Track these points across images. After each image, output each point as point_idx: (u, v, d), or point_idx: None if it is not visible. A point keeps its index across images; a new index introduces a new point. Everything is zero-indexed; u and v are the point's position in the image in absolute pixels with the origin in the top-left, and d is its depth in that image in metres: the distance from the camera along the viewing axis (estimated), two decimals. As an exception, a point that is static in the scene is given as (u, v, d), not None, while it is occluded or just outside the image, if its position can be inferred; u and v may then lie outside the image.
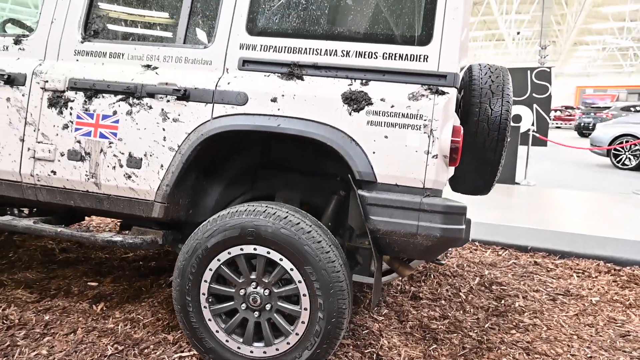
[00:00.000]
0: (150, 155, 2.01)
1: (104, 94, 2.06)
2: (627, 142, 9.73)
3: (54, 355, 2.05)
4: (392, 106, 1.81)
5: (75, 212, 2.48)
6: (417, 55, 1.86)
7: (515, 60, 36.17)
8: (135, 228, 2.19)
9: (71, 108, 2.09)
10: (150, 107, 2.01)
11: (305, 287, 1.83)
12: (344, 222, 2.25)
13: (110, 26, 2.23)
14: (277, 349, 1.90)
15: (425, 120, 1.79)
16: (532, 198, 6.41)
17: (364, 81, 1.89)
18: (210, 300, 1.95)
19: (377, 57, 1.89)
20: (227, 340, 1.94)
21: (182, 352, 2.13)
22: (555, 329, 2.49)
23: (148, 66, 2.08)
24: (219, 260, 1.90)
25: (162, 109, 2.00)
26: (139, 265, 3.18)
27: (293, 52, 1.96)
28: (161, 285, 2.86)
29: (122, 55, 2.12)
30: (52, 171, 2.12)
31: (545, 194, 6.70)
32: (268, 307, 1.90)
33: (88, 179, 2.08)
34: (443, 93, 1.81)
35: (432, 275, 3.15)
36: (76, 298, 2.62)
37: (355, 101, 1.84)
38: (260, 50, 1.99)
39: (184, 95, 1.97)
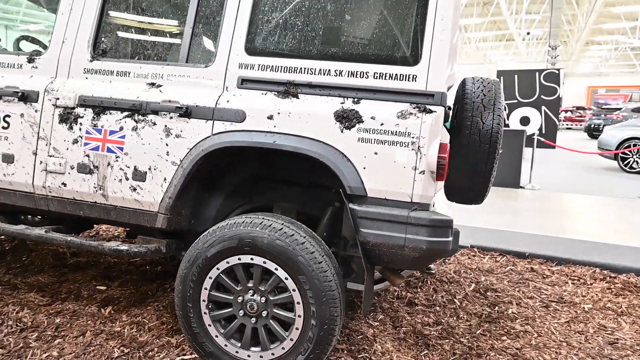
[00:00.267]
0: (154, 169, 2.13)
1: (111, 111, 2.18)
2: (634, 145, 9.68)
3: (64, 357, 2.18)
4: (382, 124, 1.91)
5: (85, 220, 2.61)
6: (406, 75, 1.95)
7: (526, 60, 35.92)
8: (141, 237, 2.31)
9: (80, 124, 2.22)
10: (155, 124, 2.12)
11: (299, 295, 1.93)
12: (339, 232, 2.35)
13: (117, 46, 2.35)
14: (272, 354, 2.01)
15: (413, 137, 1.88)
16: (535, 202, 6.44)
17: (355, 100, 1.98)
18: (210, 306, 2.06)
19: (368, 77, 1.99)
20: (225, 345, 2.05)
21: (185, 355, 2.24)
22: (545, 335, 2.56)
23: (152, 84, 2.20)
24: (218, 269, 2.01)
25: (166, 125, 2.11)
26: (146, 269, 3.31)
27: (289, 72, 2.06)
28: (166, 289, 2.98)
29: (129, 73, 2.24)
30: (62, 183, 2.25)
31: (549, 199, 6.73)
32: (264, 313, 2.00)
33: (96, 190, 2.20)
34: (430, 111, 1.90)
35: (428, 282, 3.24)
36: (85, 301, 2.75)
37: (347, 119, 1.94)
38: (258, 69, 2.09)
39: (186, 113, 2.09)
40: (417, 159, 1.87)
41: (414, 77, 1.95)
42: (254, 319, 2.02)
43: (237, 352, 2.04)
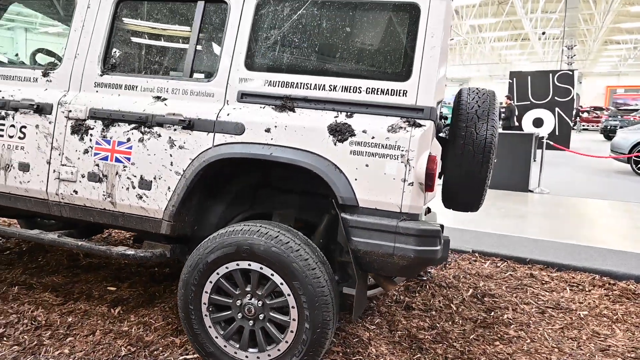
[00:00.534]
0: (159, 178, 2.25)
1: (119, 123, 2.31)
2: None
3: (75, 355, 2.32)
4: (373, 137, 2.00)
5: (96, 225, 2.75)
6: (397, 90, 2.04)
7: (543, 59, 35.46)
8: (147, 242, 2.44)
9: (91, 135, 2.35)
10: (160, 136, 2.25)
11: (293, 300, 2.03)
12: (335, 239, 2.44)
13: (126, 61, 2.48)
14: (269, 355, 2.11)
15: (402, 150, 1.96)
16: (543, 207, 6.44)
17: (348, 114, 2.08)
18: (210, 309, 2.17)
19: (361, 92, 2.08)
20: (225, 346, 2.16)
21: (187, 354, 2.36)
22: (538, 341, 2.62)
23: (158, 97, 2.32)
24: (218, 273, 2.12)
25: (170, 137, 2.23)
26: (154, 271, 3.45)
27: (286, 86, 2.16)
28: (173, 291, 3.11)
29: (136, 87, 2.36)
30: (74, 191, 2.39)
31: (557, 203, 6.71)
32: (261, 316, 2.11)
33: (105, 198, 2.34)
34: (420, 125, 1.98)
35: (427, 286, 3.31)
36: (96, 302, 2.89)
37: (340, 132, 2.03)
38: (257, 84, 2.20)
39: (189, 125, 2.20)
40: (406, 171, 1.96)
41: (405, 92, 2.03)
42: (251, 321, 2.12)
43: (235, 352, 2.15)
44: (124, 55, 2.50)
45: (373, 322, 2.77)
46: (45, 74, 2.51)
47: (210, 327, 2.17)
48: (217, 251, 2.09)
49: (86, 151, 2.36)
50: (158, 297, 3.02)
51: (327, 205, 2.42)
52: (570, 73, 14.42)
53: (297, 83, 2.15)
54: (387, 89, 2.05)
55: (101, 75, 2.42)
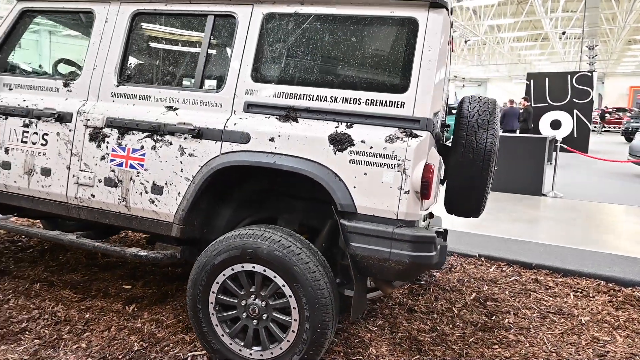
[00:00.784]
0: (170, 184, 2.38)
1: (133, 131, 2.45)
2: (668, 152, 9.38)
3: (92, 349, 2.47)
4: (371, 147, 2.09)
5: (112, 226, 2.90)
6: (394, 102, 2.13)
7: (564, 59, 34.84)
8: (159, 244, 2.57)
9: (107, 142, 2.50)
10: (171, 144, 2.38)
11: (294, 301, 2.14)
12: (338, 243, 2.53)
13: (140, 72, 2.62)
14: (271, 353, 2.22)
15: (399, 160, 2.05)
16: (555, 211, 6.41)
17: (348, 124, 2.17)
18: (217, 308, 2.29)
19: (360, 103, 2.17)
20: (230, 343, 2.28)
21: (196, 351, 2.49)
22: (537, 346, 2.67)
23: (170, 107, 2.45)
24: (224, 275, 2.24)
25: (180, 145, 2.36)
26: (167, 271, 3.60)
27: (290, 98, 2.27)
28: (185, 290, 3.25)
29: (149, 97, 2.50)
30: (91, 194, 2.54)
31: (570, 207, 6.67)
32: (265, 316, 2.22)
33: (120, 202, 2.48)
34: (416, 136, 2.07)
35: (431, 290, 3.38)
36: (112, 299, 3.05)
37: (340, 142, 2.13)
38: (263, 95, 2.31)
39: (198, 134, 2.33)
40: (402, 179, 2.04)
41: (402, 104, 2.12)
42: (255, 320, 2.24)
43: (240, 350, 2.27)
44: (138, 67, 2.64)
45: (375, 324, 2.85)
46: (66, 84, 2.67)
47: (216, 325, 2.29)
48: (223, 254, 2.21)
49: (103, 157, 2.51)
50: (170, 295, 3.16)
51: (329, 211, 2.52)
52: (589, 74, 14.21)
53: (301, 94, 2.25)
54: (386, 101, 2.14)
55: (117, 86, 2.57)
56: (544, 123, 14.55)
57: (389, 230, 2.04)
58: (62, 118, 2.59)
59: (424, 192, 2.07)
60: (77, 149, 2.56)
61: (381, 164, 2.07)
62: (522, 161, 7.39)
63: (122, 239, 4.30)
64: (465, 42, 27.12)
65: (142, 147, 2.43)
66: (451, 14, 2.45)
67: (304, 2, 2.30)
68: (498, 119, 2.73)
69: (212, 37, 2.45)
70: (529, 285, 3.55)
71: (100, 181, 2.51)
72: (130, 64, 2.61)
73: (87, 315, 2.80)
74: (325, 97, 2.22)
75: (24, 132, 2.67)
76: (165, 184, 2.39)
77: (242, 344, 2.27)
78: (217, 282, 2.26)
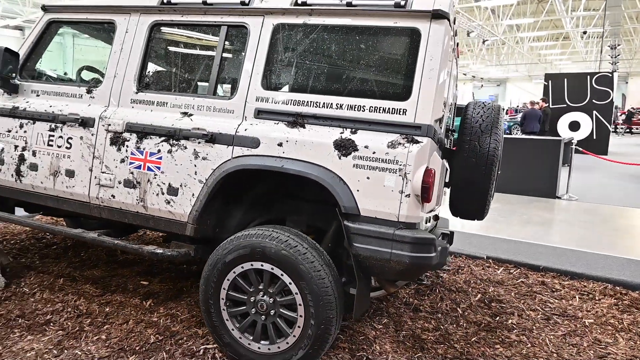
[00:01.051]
0: (185, 186, 2.52)
1: (151, 136, 2.60)
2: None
3: (111, 340, 2.62)
4: (374, 152, 2.19)
5: (130, 225, 3.06)
6: (397, 109, 2.22)
7: (585, 59, 34.21)
8: (174, 242, 2.72)
9: (127, 146, 2.65)
10: (186, 148, 2.52)
11: (300, 298, 2.25)
12: (343, 244, 2.64)
13: (158, 80, 2.77)
14: (278, 347, 2.34)
15: (400, 165, 2.14)
16: (568, 214, 6.39)
17: (353, 130, 2.27)
18: (227, 304, 2.42)
19: (364, 110, 2.27)
20: (240, 337, 2.41)
21: (208, 344, 2.62)
22: (538, 346, 2.72)
23: (185, 113, 2.59)
24: (234, 272, 2.37)
25: (195, 149, 2.50)
26: (183, 268, 3.75)
27: (298, 105, 2.38)
28: (199, 287, 3.39)
29: (166, 103, 2.65)
30: (112, 195, 2.70)
31: (584, 210, 6.63)
32: (272, 312, 2.34)
33: (138, 202, 2.63)
34: (417, 142, 2.16)
35: (437, 290, 3.46)
36: (131, 294, 3.21)
37: (344, 147, 2.23)
38: (272, 102, 2.43)
39: (211, 139, 2.46)
40: (403, 183, 2.14)
41: (404, 110, 2.21)
42: (263, 316, 2.36)
43: (249, 344, 2.39)
44: (156, 75, 2.79)
45: (380, 322, 2.95)
46: (89, 91, 2.84)
47: (227, 320, 2.42)
48: (234, 252, 2.33)
49: (122, 160, 2.66)
50: (185, 291, 3.31)
51: (334, 213, 2.62)
52: (609, 75, 13.98)
53: (308, 101, 2.36)
54: (388, 108, 2.23)
55: (136, 93, 2.72)
56: (563, 124, 14.39)
57: (390, 231, 2.14)
58: (85, 123, 2.76)
59: (424, 195, 2.16)
60: (99, 152, 2.72)
61: (383, 169, 2.17)
62: (537, 163, 7.37)
63: (140, 237, 4.48)
64: (483, 42, 26.88)
65: (159, 150, 2.58)
66: (454, 23, 2.53)
67: (312, 14, 2.41)
68: (502, 125, 2.80)
69: (225, 47, 2.58)
70: (535, 288, 3.60)
71: (120, 182, 2.67)
72: (149, 71, 2.76)
73: (107, 309, 2.97)
74: (331, 104, 2.33)
75: (50, 136, 2.85)
76: (180, 185, 2.53)
77: (251, 338, 2.39)
78: (228, 279, 2.38)
